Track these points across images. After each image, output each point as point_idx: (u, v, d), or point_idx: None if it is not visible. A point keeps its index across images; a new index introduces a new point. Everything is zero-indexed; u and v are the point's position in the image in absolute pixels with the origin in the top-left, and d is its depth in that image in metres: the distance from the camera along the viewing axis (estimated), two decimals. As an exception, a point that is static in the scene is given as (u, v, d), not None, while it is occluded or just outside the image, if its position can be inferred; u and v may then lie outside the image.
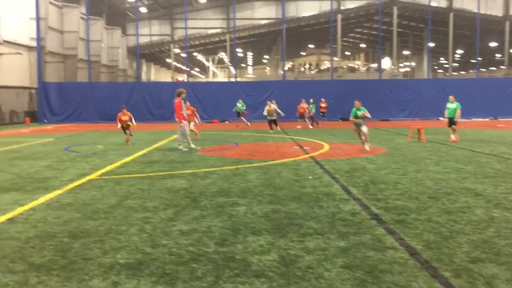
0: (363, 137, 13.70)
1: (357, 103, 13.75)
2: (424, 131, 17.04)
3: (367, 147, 13.52)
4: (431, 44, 52.04)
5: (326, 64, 76.74)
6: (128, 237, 5.39)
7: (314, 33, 62.76)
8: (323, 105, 29.82)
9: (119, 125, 17.09)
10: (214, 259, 4.63)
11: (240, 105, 27.80)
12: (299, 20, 53.01)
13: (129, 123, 16.96)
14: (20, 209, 6.76)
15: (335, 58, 51.76)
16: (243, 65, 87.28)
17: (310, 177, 9.29)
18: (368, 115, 13.58)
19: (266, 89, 34.80)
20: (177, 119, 14.65)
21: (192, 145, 14.54)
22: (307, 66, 78.22)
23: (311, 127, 25.76)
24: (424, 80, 45.06)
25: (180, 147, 14.50)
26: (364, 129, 13.53)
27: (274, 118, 22.59)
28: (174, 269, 4.37)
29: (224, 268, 4.37)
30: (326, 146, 15.28)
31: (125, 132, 16.92)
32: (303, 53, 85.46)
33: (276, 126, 22.73)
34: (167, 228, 5.74)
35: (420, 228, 5.61)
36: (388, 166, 10.62)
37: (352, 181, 8.79)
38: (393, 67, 59.03)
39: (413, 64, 70.28)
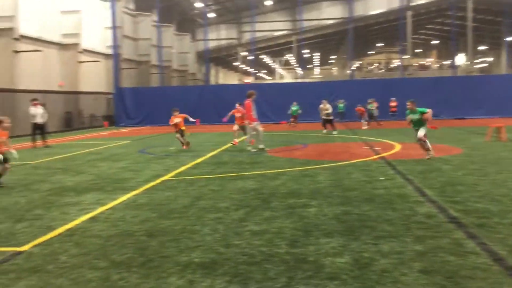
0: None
1: (409, 104, 11.49)
2: (505, 129, 16.07)
3: (427, 156, 11.43)
4: (510, 38, 48.99)
5: (396, 63, 74.57)
6: (202, 236, 5.52)
7: (383, 31, 61.25)
8: (393, 104, 29.01)
9: (173, 125, 15.69)
10: (286, 260, 4.63)
11: (295, 108, 28.33)
12: (367, 18, 51.92)
13: (182, 127, 15.50)
14: (101, 209, 7.13)
15: (405, 56, 50.16)
16: (310, 66, 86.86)
17: (381, 178, 9.05)
18: (427, 116, 11.31)
19: (333, 89, 34.35)
20: (247, 121, 14.87)
21: (261, 146, 14.66)
22: (375, 65, 76.43)
23: (364, 127, 24.97)
24: (502, 75, 42.52)
25: (249, 148, 14.66)
26: (420, 132, 11.37)
27: (330, 118, 21.64)
28: (247, 269, 4.41)
29: (297, 270, 4.36)
30: (398, 146, 14.82)
31: (181, 134, 15.55)
32: (371, 52, 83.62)
33: (332, 126, 21.43)
34: (239, 229, 5.82)
35: (504, 232, 5.29)
36: (465, 167, 10.12)
37: (427, 182, 8.45)
38: (468, 63, 56.22)
39: (490, 59, 66.60)
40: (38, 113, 18.23)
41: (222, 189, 8.48)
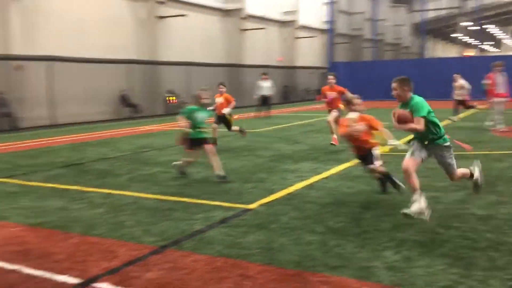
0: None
1: (394, 87, 5.23)
2: None
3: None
4: None
5: None
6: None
7: None
8: None
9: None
10: (518, 250, 4.17)
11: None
12: None
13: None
14: (316, 177, 7.47)
15: None
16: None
17: None
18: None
19: None
20: (491, 96, 13.56)
21: (489, 123, 13.31)
22: None
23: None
24: None
25: (489, 123, 13.46)
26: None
27: (459, 98, 16.47)
28: (470, 254, 4.12)
29: (531, 263, 3.89)
30: None
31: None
32: None
33: (466, 107, 16.48)
34: (460, 211, 5.45)
35: None
36: None
37: None
38: None
39: None
40: (265, 86, 19.94)
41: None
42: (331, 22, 35.71)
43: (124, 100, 20.98)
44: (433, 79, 32.73)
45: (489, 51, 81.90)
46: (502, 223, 4.95)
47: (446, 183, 6.83)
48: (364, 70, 35.16)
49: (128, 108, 21.17)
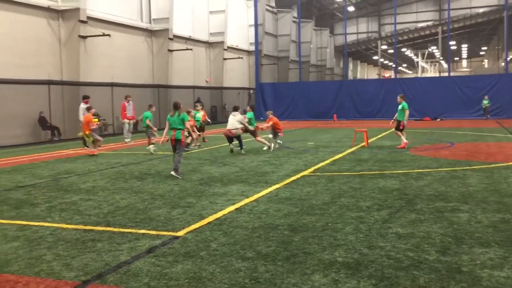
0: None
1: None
2: None
3: None
4: None
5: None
6: (344, 235, 5.46)
7: (547, 17, 54.32)
8: None
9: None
10: (437, 268, 4.36)
11: (486, 101, 29.73)
12: (527, 4, 46.51)
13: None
14: (245, 200, 7.45)
15: None
16: (456, 58, 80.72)
17: (546, 184, 8.07)
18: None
19: (484, 83, 31.53)
20: None
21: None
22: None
23: None
24: None
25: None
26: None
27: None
28: (394, 274, 4.25)
29: (449, 280, 4.08)
30: None
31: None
32: (531, 41, 74.71)
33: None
34: (383, 230, 5.63)
35: None
36: None
37: None
38: None
39: None
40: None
41: (362, 187, 8.30)
42: (257, 43, 36.38)
43: (43, 122, 19.93)
44: (355, 99, 34.17)
45: (406, 73, 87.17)
46: (422, 241, 5.16)
47: (369, 203, 7.09)
48: (290, 91, 36.03)
49: (47, 131, 20.13)
